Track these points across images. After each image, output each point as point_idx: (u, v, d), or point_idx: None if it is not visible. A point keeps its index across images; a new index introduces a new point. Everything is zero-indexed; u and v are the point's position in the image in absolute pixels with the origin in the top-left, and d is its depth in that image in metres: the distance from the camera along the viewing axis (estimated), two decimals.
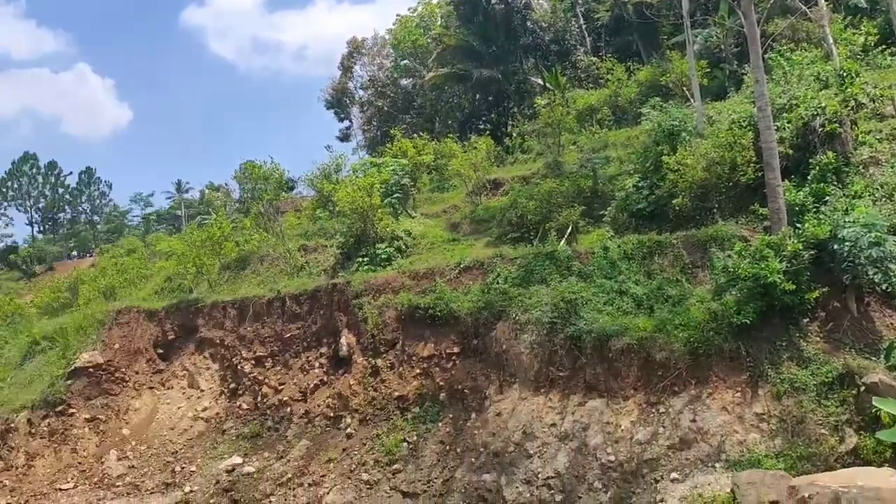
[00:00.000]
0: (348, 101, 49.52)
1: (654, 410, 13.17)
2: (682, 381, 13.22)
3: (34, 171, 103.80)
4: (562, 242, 17.56)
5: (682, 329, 13.57)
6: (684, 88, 24.22)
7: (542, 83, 33.14)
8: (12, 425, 19.42)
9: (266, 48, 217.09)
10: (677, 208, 16.65)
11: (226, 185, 64.84)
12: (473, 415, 15.34)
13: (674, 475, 12.16)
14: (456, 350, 16.41)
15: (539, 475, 13.38)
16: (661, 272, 15.34)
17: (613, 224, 18.23)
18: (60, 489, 17.43)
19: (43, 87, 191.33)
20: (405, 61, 44.21)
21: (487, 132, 31.89)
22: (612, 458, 12.91)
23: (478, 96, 38.64)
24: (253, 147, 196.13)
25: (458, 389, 15.92)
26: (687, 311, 13.94)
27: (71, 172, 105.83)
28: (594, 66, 33.45)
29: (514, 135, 29.49)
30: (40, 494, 17.33)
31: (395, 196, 22.88)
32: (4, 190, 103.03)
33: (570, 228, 18.42)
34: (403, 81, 45.49)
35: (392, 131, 31.68)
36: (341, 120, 51.69)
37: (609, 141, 23.79)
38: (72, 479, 17.80)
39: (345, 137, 52.76)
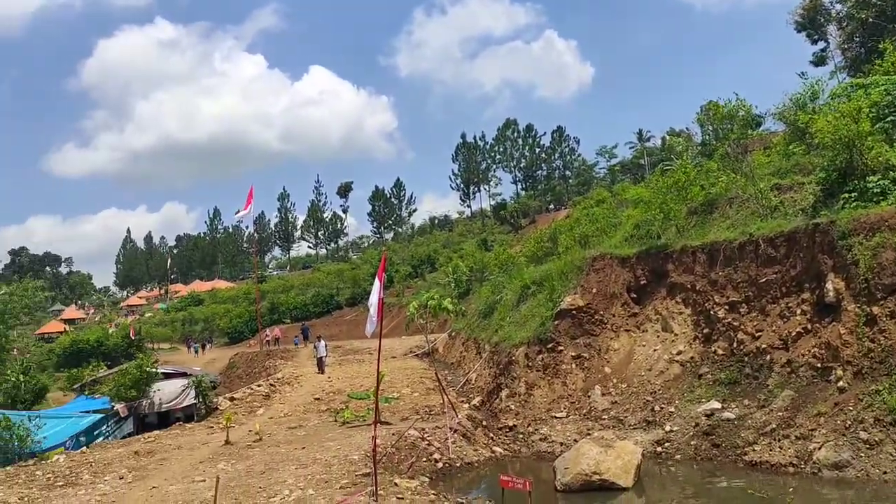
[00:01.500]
0: (822, 20, 44.03)
1: None
2: None
3: (515, 135, 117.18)
4: None
5: None
6: None
7: None
8: (513, 358, 22.48)
9: None
10: None
11: (687, 129, 63.87)
12: None
13: None
14: None
15: None
16: None
17: None
18: (555, 417, 19.55)
19: (518, 58, 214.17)
20: None
21: None
22: None
23: None
24: (714, 86, 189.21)
25: None
26: None
27: (545, 133, 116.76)
28: None
29: None
30: (539, 420, 19.69)
31: (888, 120, 19.60)
32: (493, 154, 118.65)
33: None
34: None
35: (882, 45, 27.10)
36: (815, 42, 46.40)
37: None
38: (564, 408, 19.83)
39: (819, 61, 47.23)
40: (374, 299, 13.12)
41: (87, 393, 35.57)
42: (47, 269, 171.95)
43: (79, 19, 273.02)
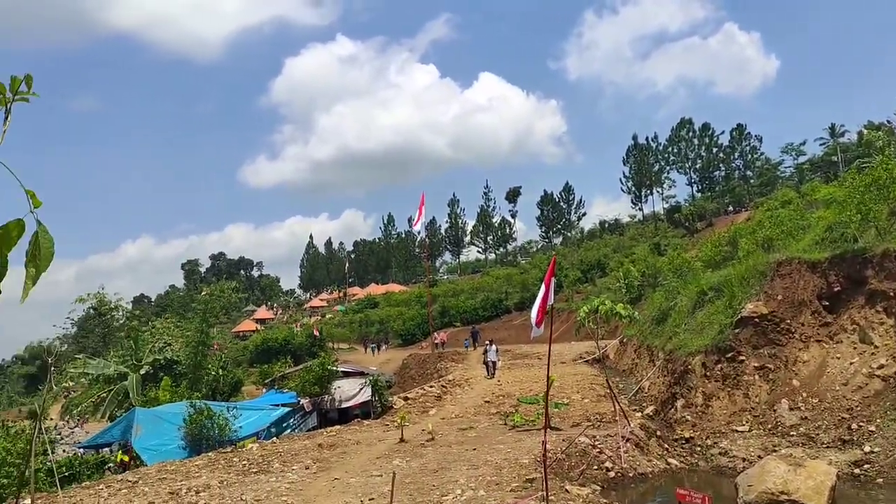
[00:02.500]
0: None
1: None
2: None
3: (690, 134, 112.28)
4: None
5: None
6: None
7: None
8: (689, 367, 21.49)
9: None
10: None
11: (888, 122, 58.09)
12: None
13: None
14: None
15: None
16: None
17: None
18: (736, 430, 18.43)
19: (695, 55, 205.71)
20: None
21: None
22: None
23: None
24: None
25: None
26: None
27: (723, 132, 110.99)
28: None
29: None
30: (718, 433, 18.66)
31: None
32: (667, 155, 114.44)
33: None
34: None
35: None
36: None
37: None
38: (746, 422, 18.64)
39: None
40: (537, 302, 12.97)
41: (276, 388, 38.42)
42: (241, 272, 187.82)
43: (269, 40, 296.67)
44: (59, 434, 34.30)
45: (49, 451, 21.21)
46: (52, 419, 45.65)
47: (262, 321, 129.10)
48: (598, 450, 17.13)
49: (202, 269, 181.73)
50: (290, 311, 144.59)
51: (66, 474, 21.30)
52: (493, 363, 32.71)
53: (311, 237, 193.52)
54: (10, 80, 2.30)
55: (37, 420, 19.63)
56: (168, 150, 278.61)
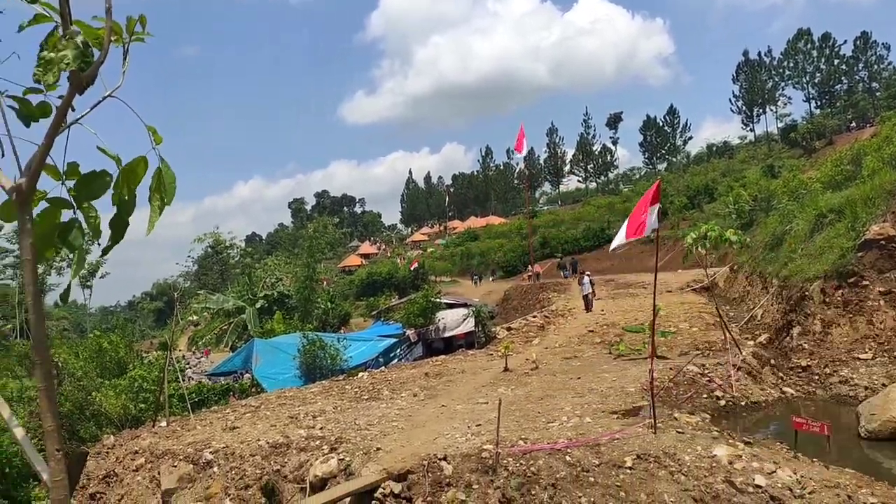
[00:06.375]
0: None
1: None
2: None
3: (808, 46, 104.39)
4: None
5: None
6: None
7: None
8: (806, 293, 20.55)
9: None
10: None
11: None
12: None
13: None
14: None
15: None
16: None
17: None
18: (858, 358, 17.57)
19: None
20: None
21: None
22: None
23: None
24: None
25: None
26: None
27: (845, 41, 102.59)
28: None
29: None
30: (838, 361, 17.86)
31: None
32: (781, 70, 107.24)
33: None
34: None
35: None
36: None
37: None
38: (869, 349, 17.73)
39: None
40: (626, 222, 12.37)
41: (382, 319, 39.70)
42: (344, 209, 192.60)
43: None
44: (188, 363, 36.90)
45: (180, 379, 22.87)
46: (180, 350, 49.15)
47: (366, 256, 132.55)
48: (707, 378, 16.79)
49: (308, 207, 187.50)
50: (393, 246, 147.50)
51: (196, 400, 22.95)
52: (586, 296, 31.20)
53: (409, 172, 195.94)
54: (126, 21, 2.35)
55: (167, 351, 21.12)
56: (272, 91, 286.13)
